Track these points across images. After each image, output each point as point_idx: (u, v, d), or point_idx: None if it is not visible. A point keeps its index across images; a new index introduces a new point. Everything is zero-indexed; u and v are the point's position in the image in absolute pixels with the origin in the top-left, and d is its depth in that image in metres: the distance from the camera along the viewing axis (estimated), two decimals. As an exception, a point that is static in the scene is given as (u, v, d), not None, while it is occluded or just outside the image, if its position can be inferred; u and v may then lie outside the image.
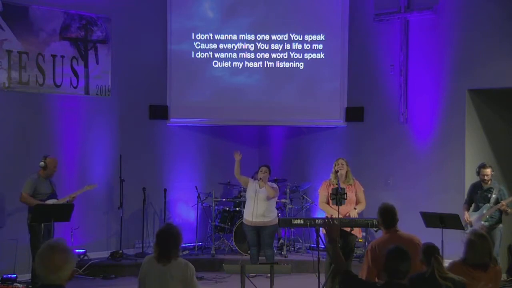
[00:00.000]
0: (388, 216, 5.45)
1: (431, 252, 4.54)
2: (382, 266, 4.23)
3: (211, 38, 10.79)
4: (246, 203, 8.99)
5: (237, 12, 10.84)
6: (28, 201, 8.28)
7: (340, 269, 4.50)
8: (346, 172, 8.05)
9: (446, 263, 7.32)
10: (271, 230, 8.80)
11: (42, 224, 8.09)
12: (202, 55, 10.80)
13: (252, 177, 9.18)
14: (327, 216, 7.53)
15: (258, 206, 8.67)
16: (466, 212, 8.47)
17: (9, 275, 8.38)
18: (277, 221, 8.75)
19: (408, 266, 4.20)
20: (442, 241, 7.57)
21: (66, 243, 3.25)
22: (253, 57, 10.80)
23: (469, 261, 4.82)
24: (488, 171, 8.32)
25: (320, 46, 10.72)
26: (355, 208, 7.95)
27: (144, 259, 5.04)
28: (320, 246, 6.56)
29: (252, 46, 10.79)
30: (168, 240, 4.82)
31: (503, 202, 8.18)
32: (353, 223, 7.44)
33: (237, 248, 9.93)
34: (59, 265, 3.12)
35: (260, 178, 8.69)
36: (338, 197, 7.32)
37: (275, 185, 8.95)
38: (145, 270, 4.88)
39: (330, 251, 4.62)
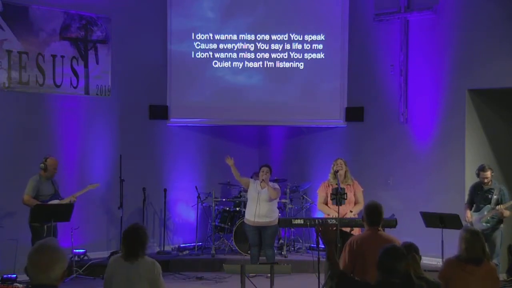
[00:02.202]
0: (373, 214, 5.44)
1: (409, 251, 4.55)
2: (376, 264, 4.23)
3: (211, 38, 10.79)
4: (248, 203, 8.98)
5: (237, 12, 10.84)
6: (30, 203, 8.27)
7: (335, 272, 4.50)
8: (345, 172, 8.04)
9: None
10: (273, 230, 8.81)
11: (45, 226, 8.10)
12: (202, 55, 10.80)
13: (251, 177, 9.18)
14: (324, 218, 7.53)
15: (260, 207, 8.66)
16: (468, 211, 8.44)
17: (9, 275, 8.37)
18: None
19: (404, 265, 4.21)
20: (442, 241, 7.57)
21: (57, 243, 3.20)
22: (253, 57, 10.80)
23: (463, 257, 4.87)
24: (488, 173, 8.28)
25: (320, 46, 10.72)
26: (351, 211, 7.92)
27: (110, 259, 5.08)
28: (320, 246, 6.56)
29: (252, 46, 10.79)
30: (134, 239, 4.85)
31: (501, 206, 8.13)
32: (352, 223, 7.44)
33: (237, 248, 9.92)
34: (48, 265, 3.07)
35: (262, 180, 8.68)
36: (338, 197, 7.32)
37: (277, 186, 8.93)
38: (112, 269, 4.90)
39: (326, 253, 4.62)
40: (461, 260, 4.89)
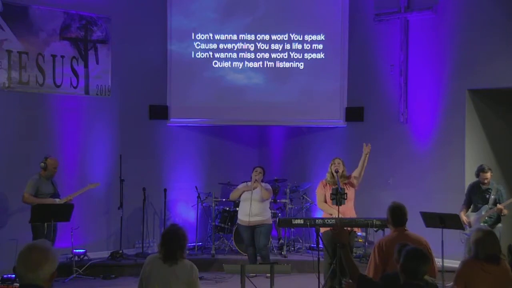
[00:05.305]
0: (397, 215, 5.51)
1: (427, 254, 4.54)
2: (400, 266, 4.22)
3: (211, 38, 10.79)
4: (241, 204, 9.03)
5: (237, 12, 10.84)
6: (30, 201, 8.30)
7: (355, 273, 4.50)
8: (342, 171, 8.06)
9: (446, 262, 7.35)
10: (266, 228, 8.84)
11: (45, 224, 8.12)
12: (202, 55, 10.81)
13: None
14: (336, 221, 7.52)
15: (253, 207, 8.71)
16: (462, 214, 8.41)
17: (9, 275, 8.36)
18: (271, 220, 8.92)
19: (427, 267, 4.21)
20: (442, 241, 7.57)
21: (49, 244, 3.20)
22: (253, 57, 10.80)
23: (480, 256, 4.88)
24: (488, 174, 8.26)
25: (320, 46, 10.72)
26: (354, 176, 8.01)
27: (146, 259, 5.02)
28: (320, 246, 6.57)
29: (252, 46, 10.79)
30: (174, 240, 4.81)
31: (500, 206, 8.13)
32: (353, 223, 7.43)
33: (237, 248, 9.93)
34: (37, 264, 3.06)
35: (255, 180, 8.73)
36: (338, 197, 7.31)
37: (268, 186, 8.99)
38: (148, 269, 4.86)
39: (342, 256, 4.64)
40: (479, 259, 4.87)
